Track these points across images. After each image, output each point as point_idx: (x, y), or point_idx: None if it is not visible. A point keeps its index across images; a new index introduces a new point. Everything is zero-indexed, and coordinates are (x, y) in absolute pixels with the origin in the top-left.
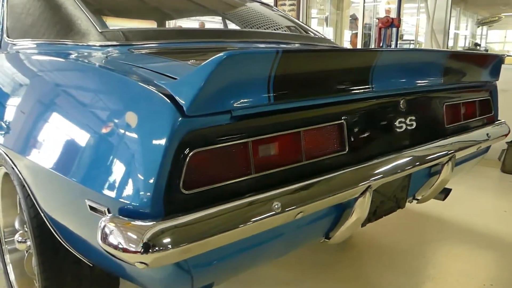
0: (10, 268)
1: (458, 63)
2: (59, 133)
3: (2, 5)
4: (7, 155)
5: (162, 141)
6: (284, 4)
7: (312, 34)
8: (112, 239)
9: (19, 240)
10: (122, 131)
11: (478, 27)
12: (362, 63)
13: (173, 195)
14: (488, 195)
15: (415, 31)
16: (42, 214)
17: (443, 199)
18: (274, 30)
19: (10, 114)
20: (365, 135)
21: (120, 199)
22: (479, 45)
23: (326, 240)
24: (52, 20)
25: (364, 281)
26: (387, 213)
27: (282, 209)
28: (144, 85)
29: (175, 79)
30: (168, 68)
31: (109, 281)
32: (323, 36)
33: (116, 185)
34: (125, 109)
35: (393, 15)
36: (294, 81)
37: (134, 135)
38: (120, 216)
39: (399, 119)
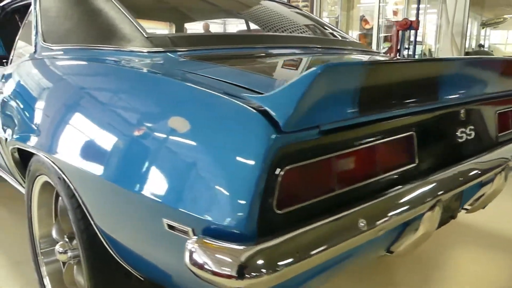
0: (47, 281)
1: (510, 69)
2: (127, 145)
3: (35, 9)
4: (54, 164)
5: (257, 159)
6: (297, 6)
7: (347, 38)
8: (202, 262)
9: (60, 251)
10: (209, 147)
11: (483, 28)
12: (435, 73)
13: (267, 215)
14: (509, 199)
15: (422, 32)
16: (94, 227)
17: (484, 207)
18: (313, 34)
19: (58, 121)
20: (432, 146)
21: (208, 219)
22: (483, 46)
23: (387, 254)
24: (92, 24)
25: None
26: (443, 224)
27: (368, 227)
28: (232, 99)
29: (251, 90)
30: (239, 78)
31: None
32: (354, 40)
33: (204, 204)
34: (212, 124)
35: (400, 16)
36: (378, 93)
37: (225, 152)
38: (210, 238)
39: (460, 129)
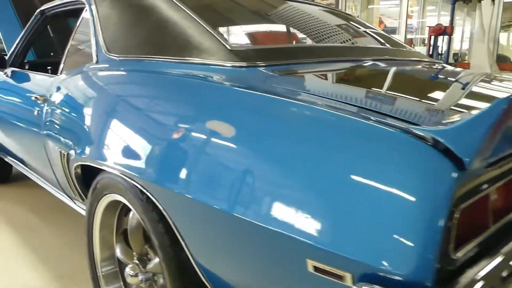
0: None
1: None
2: (252, 172)
3: (93, 16)
4: (137, 183)
5: (437, 201)
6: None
7: (406, 47)
8: None
9: (131, 274)
10: (375, 183)
11: None
12: None
13: (443, 260)
14: None
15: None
16: (189, 256)
17: None
18: (382, 44)
19: (145, 138)
20: None
21: (373, 265)
22: None
23: None
24: (164, 35)
25: None
26: None
27: None
28: (401, 132)
29: (399, 119)
30: (373, 102)
31: None
32: (411, 47)
33: (368, 248)
34: (371, 157)
35: (415, 19)
36: None
37: (394, 191)
38: (374, 285)
39: None
